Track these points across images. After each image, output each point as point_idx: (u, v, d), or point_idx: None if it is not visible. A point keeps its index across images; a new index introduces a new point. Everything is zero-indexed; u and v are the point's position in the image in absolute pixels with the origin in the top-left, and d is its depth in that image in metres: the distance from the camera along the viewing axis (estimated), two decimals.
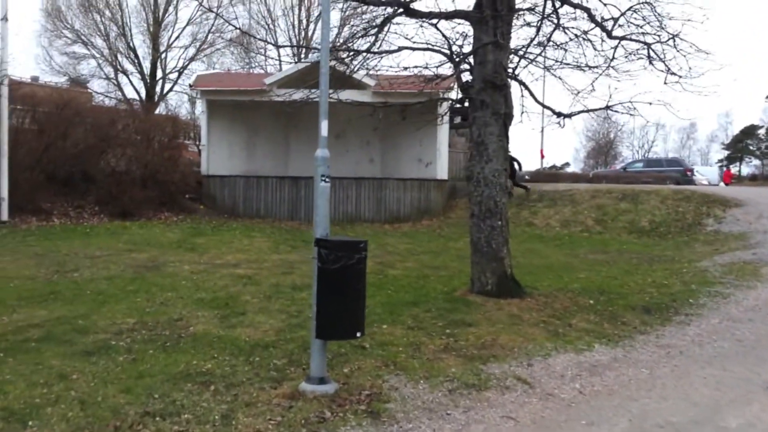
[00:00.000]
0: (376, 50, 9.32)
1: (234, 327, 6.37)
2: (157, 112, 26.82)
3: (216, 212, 17.85)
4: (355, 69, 11.51)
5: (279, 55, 30.42)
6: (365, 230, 16.06)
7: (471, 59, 8.22)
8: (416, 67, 9.70)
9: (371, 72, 11.06)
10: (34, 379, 4.68)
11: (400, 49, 8.89)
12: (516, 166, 9.55)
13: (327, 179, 4.56)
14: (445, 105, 17.79)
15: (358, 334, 4.47)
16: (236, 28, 28.72)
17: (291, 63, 27.74)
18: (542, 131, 28.78)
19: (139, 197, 15.80)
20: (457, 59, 8.50)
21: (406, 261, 11.06)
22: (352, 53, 10.89)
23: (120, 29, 30.52)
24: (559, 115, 9.78)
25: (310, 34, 30.10)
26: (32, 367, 4.97)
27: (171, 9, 31.15)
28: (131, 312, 6.90)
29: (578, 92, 9.29)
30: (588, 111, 9.68)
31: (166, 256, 10.77)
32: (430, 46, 8.91)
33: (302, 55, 29.51)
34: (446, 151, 18.50)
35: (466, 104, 13.57)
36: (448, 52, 8.64)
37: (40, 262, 9.54)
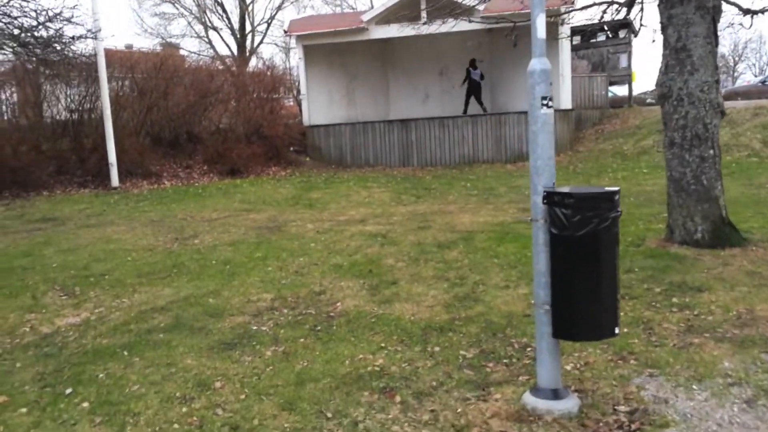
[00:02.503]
0: None
1: (390, 302, 5.16)
2: (250, 65, 26.07)
3: (323, 163, 16.85)
4: None
5: None
6: (486, 172, 14.50)
7: None
8: None
9: None
10: (168, 390, 3.66)
11: None
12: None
13: (550, 103, 3.09)
14: (567, 26, 15.66)
15: (616, 331, 3.03)
16: None
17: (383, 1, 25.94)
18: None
19: (245, 153, 15.01)
20: None
21: None
22: None
23: None
24: (747, 12, 7.71)
25: None
26: (164, 370, 3.97)
27: None
28: (266, 285, 5.87)
29: None
30: None
31: (286, 215, 9.79)
32: None
33: None
34: (569, 77, 16.37)
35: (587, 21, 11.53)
36: None
37: (156, 230, 8.80)
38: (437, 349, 4.10)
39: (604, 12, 9.02)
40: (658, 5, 6.15)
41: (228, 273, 6.34)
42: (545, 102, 3.06)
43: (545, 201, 2.94)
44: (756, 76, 43.33)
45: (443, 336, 4.31)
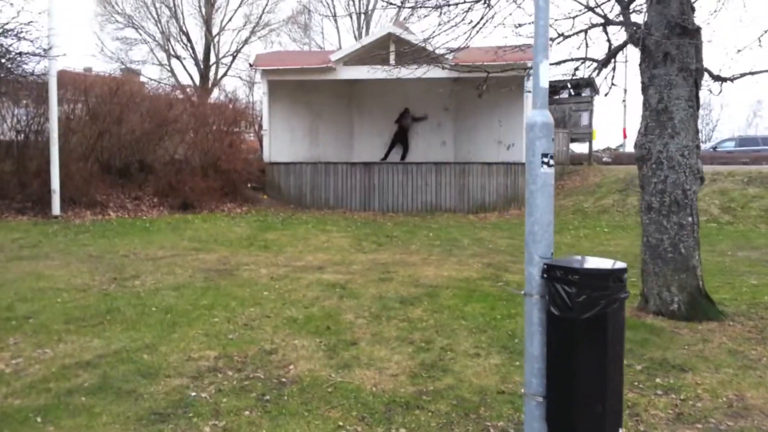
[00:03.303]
0: None
1: (349, 367, 4.65)
2: (212, 97, 25.55)
3: (281, 202, 16.30)
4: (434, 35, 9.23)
5: (339, 34, 28.68)
6: (449, 221, 14.23)
7: None
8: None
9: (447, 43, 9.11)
10: None
11: None
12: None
13: (550, 161, 2.73)
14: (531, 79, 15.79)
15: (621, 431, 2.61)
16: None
17: (352, 42, 26.03)
18: (624, 103, 26.03)
19: (200, 187, 14.35)
20: None
21: (518, 262, 9.16)
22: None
23: (172, 12, 29.37)
24: (717, 78, 7.71)
25: (370, 7, 28.24)
26: None
27: None
28: (210, 339, 5.28)
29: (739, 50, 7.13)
30: (756, 73, 7.55)
31: (238, 257, 9.19)
32: None
33: (364, 31, 27.78)
34: None
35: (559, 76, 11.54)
36: None
37: (94, 267, 8.08)
38: (403, 431, 3.61)
39: (577, 69, 8.94)
40: (640, 65, 6.00)
41: (168, 323, 5.72)
42: (546, 160, 2.69)
43: (545, 275, 2.54)
44: (704, 142, 45.07)
45: (409, 414, 3.83)
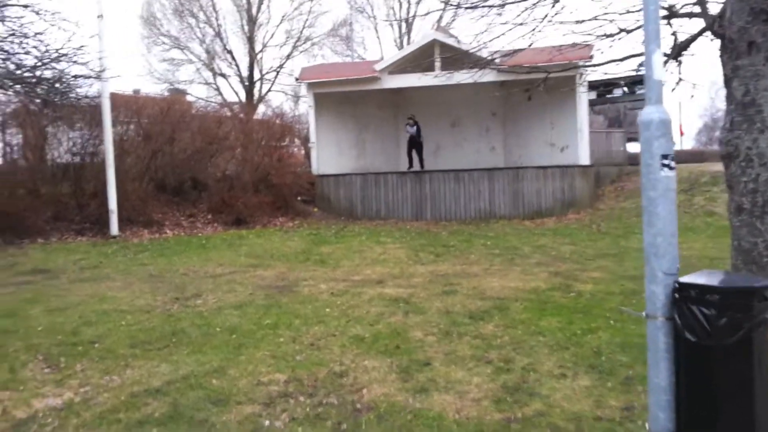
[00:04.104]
0: None
1: (427, 391, 4.38)
2: (258, 113, 25.81)
3: (332, 214, 16.19)
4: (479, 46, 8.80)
5: (380, 44, 28.62)
6: (504, 228, 13.82)
7: None
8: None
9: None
10: None
11: None
12: None
13: (672, 163, 2.41)
14: (584, 78, 15.26)
15: None
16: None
17: (395, 51, 25.92)
18: (692, 97, 24.91)
19: (252, 203, 14.38)
20: None
21: (586, 270, 8.74)
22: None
23: (216, 32, 29.85)
24: None
25: (411, 15, 28.08)
26: None
27: (264, 7, 30.13)
28: (278, 361, 5.09)
29: None
30: None
31: (296, 272, 9.05)
32: None
33: (406, 39, 27.62)
34: (587, 132, 15.88)
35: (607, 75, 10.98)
36: None
37: (155, 286, 8.05)
38: None
39: (641, 65, 8.50)
40: (721, 56, 5.56)
41: (234, 344, 5.57)
42: (667, 162, 2.37)
43: (676, 294, 2.22)
44: None
45: None
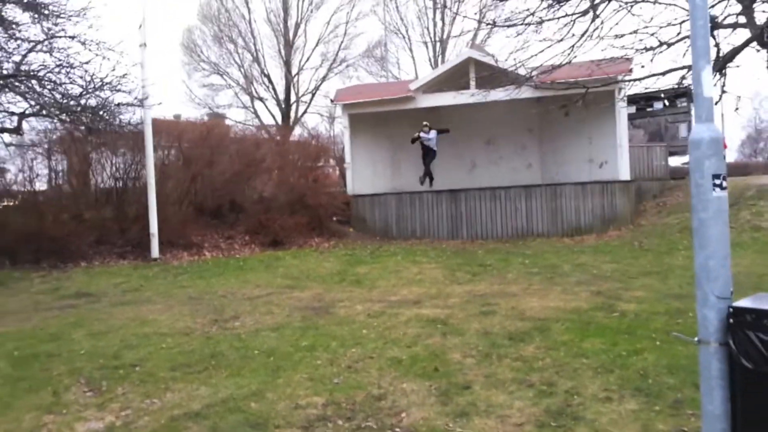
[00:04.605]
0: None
1: (467, 415, 4.28)
2: (294, 134, 26.14)
3: (367, 234, 16.19)
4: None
5: (415, 63, 28.79)
6: (543, 246, 13.58)
7: None
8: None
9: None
10: None
11: None
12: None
13: (723, 182, 2.31)
14: (622, 93, 15.01)
15: None
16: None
17: (429, 71, 26.04)
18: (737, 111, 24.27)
19: (288, 224, 14.48)
20: None
21: (629, 288, 8.50)
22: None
23: (253, 56, 30.46)
24: None
25: (445, 35, 28.20)
26: None
27: (300, 31, 30.66)
28: (315, 384, 5.06)
29: None
30: None
31: (332, 293, 9.05)
32: None
33: (440, 59, 27.72)
34: (627, 147, 15.57)
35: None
36: None
37: (195, 309, 8.14)
38: None
39: (683, 78, 8.31)
40: None
41: (272, 367, 5.57)
42: (719, 182, 2.28)
43: (731, 320, 2.12)
44: None
45: None
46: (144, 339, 6.64)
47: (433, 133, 16.47)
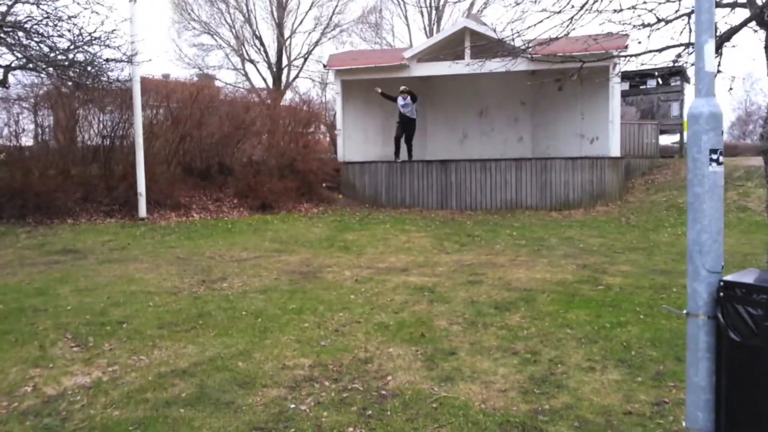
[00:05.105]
0: None
1: (452, 380, 4.34)
2: (285, 99, 25.84)
3: (356, 202, 16.18)
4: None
5: (410, 31, 28.41)
6: (531, 219, 13.67)
7: None
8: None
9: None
10: None
11: None
12: None
13: (720, 158, 2.31)
14: (618, 68, 14.95)
15: None
16: None
17: (423, 39, 25.71)
18: (730, 92, 24.37)
19: (277, 188, 14.41)
20: None
21: (615, 263, 8.59)
22: None
23: (245, 17, 29.88)
24: None
25: (442, 2, 27.78)
26: None
27: None
28: (302, 346, 5.10)
29: None
30: None
31: (320, 258, 9.06)
32: None
33: (435, 28, 27.39)
34: (619, 123, 15.58)
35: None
36: None
37: (182, 269, 8.13)
38: None
39: (679, 55, 8.28)
40: (766, 47, 5.39)
41: (259, 328, 5.59)
42: (715, 157, 2.28)
43: (721, 293, 2.14)
44: None
45: None
46: (131, 297, 6.64)
47: (408, 100, 15.72)
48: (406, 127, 16.22)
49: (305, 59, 30.75)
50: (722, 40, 7.23)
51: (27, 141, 13.99)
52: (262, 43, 30.16)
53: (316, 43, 30.39)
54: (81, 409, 3.96)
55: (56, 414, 3.88)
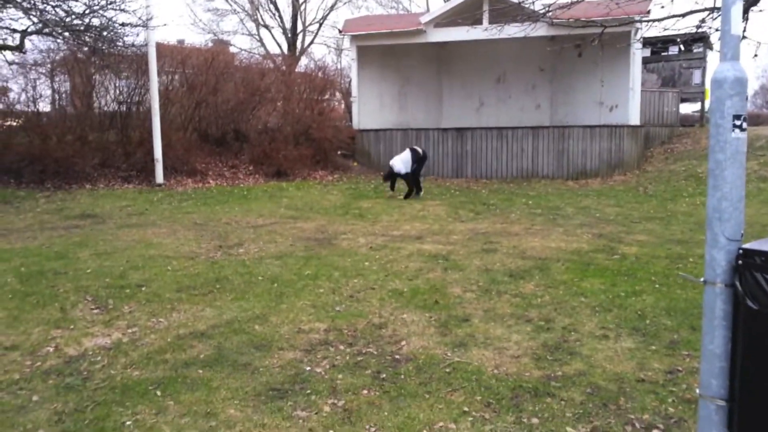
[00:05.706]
0: None
1: (465, 346, 4.38)
2: (300, 65, 25.64)
3: (371, 169, 16.15)
4: None
5: None
6: (547, 188, 13.58)
7: None
8: None
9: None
10: None
11: None
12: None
13: (743, 124, 2.26)
14: (640, 34, 14.61)
15: None
16: None
17: (441, 4, 25.21)
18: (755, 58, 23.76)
19: (292, 155, 14.43)
20: None
21: (631, 232, 8.54)
22: None
23: None
24: None
25: None
26: (202, 422, 3.29)
27: None
28: (318, 311, 5.17)
29: None
30: None
31: (335, 225, 9.11)
32: None
33: None
34: (639, 91, 15.30)
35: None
36: None
37: (199, 234, 8.22)
38: (535, 420, 3.31)
39: (703, 21, 8.07)
40: None
41: (276, 293, 5.66)
42: (739, 123, 2.23)
43: (739, 261, 2.12)
44: None
45: (540, 402, 3.51)
46: (149, 261, 6.73)
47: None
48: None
49: (320, 24, 30.43)
50: (749, 4, 7.04)
51: (44, 107, 14.08)
52: (276, 8, 29.84)
53: (332, 8, 30.02)
54: (102, 369, 4.06)
55: (77, 373, 3.98)
